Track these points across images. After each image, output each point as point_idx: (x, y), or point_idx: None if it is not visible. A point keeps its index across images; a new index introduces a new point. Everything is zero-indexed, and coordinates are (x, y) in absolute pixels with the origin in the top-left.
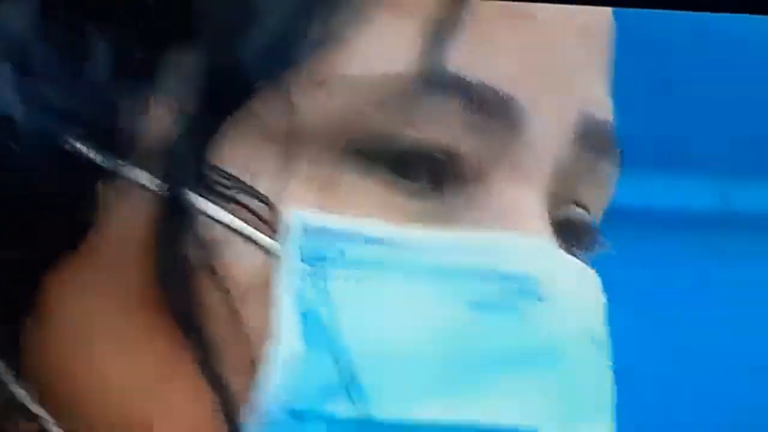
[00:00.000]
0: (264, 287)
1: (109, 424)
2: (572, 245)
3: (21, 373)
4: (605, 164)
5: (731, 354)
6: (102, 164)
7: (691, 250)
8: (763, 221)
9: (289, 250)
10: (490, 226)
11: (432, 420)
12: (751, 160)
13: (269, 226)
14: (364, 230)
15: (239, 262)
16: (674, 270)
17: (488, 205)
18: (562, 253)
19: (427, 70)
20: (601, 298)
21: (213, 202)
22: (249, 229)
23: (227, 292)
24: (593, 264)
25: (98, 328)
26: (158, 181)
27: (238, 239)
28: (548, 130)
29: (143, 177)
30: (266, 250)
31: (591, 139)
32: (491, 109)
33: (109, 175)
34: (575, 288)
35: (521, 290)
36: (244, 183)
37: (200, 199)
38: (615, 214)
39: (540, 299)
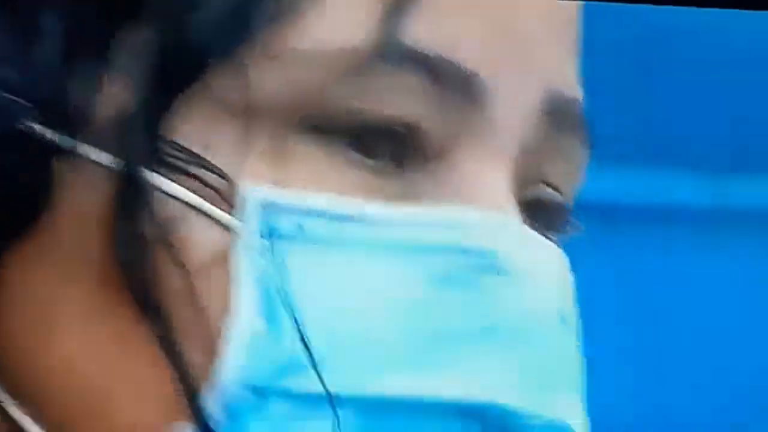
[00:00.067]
0: (222, 263)
1: (69, 402)
2: (542, 226)
3: None
4: (574, 143)
5: (725, 348)
6: (57, 143)
7: (684, 245)
8: (757, 216)
9: (247, 225)
10: (454, 203)
11: (394, 395)
12: (745, 156)
13: (227, 201)
14: (324, 205)
15: (197, 237)
16: (667, 265)
17: (451, 182)
18: (526, 229)
19: (383, 44)
20: (569, 277)
21: (169, 177)
22: (206, 205)
23: (185, 268)
24: (593, 257)
25: (57, 306)
26: (113, 159)
27: (196, 215)
28: (512, 107)
29: (98, 155)
30: (224, 226)
31: (558, 117)
32: (450, 83)
33: (65, 154)
34: (539, 265)
35: (484, 266)
36: (200, 157)
37: (156, 175)
38: (610, 210)
39: (503, 275)
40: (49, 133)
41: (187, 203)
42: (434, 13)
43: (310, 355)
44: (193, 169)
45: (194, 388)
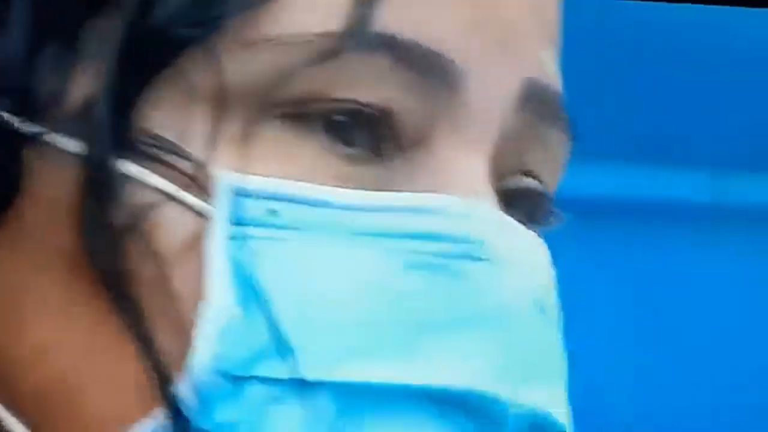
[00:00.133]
0: (196, 250)
1: (41, 391)
2: (524, 216)
3: None
4: (554, 132)
5: (723, 347)
6: (26, 131)
7: (683, 242)
8: (756, 213)
9: (220, 211)
10: (432, 191)
11: (371, 381)
12: (744, 153)
13: (200, 187)
14: (298, 191)
15: (169, 224)
16: (666, 262)
17: (428, 169)
18: (503, 216)
19: (354, 29)
20: (548, 268)
21: (140, 165)
22: (179, 192)
23: (157, 255)
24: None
25: (28, 295)
26: (83, 146)
27: (168, 201)
28: (490, 94)
29: (68, 142)
30: (197, 212)
31: (537, 105)
32: (425, 68)
33: (34, 142)
34: (516, 252)
35: (460, 252)
36: (172, 144)
37: (127, 162)
38: (610, 206)
39: (479, 261)
40: (17, 122)
41: (159, 190)
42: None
43: (284, 341)
44: (165, 156)
45: (167, 377)
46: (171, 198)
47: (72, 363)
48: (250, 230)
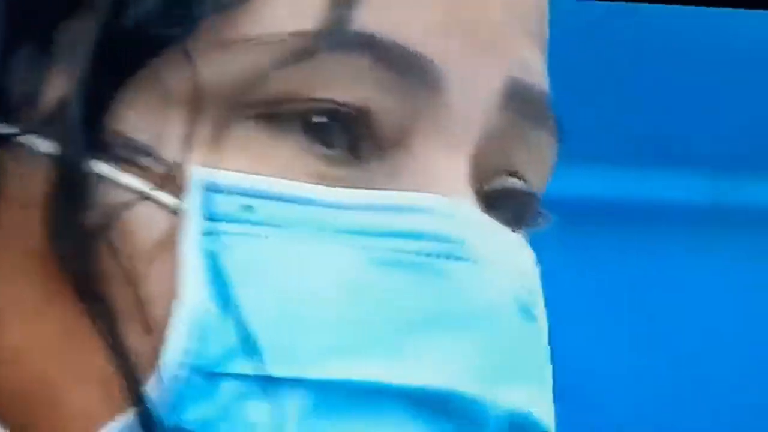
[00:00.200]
0: (169, 247)
1: (18, 392)
2: (511, 217)
3: None
4: (540, 132)
5: (721, 350)
6: (0, 132)
7: (681, 245)
8: (755, 216)
9: (192, 207)
10: (412, 191)
11: (346, 379)
12: (744, 155)
13: (173, 186)
14: (274, 188)
15: (143, 223)
16: (664, 265)
17: (408, 171)
18: (484, 216)
19: (331, 27)
20: (531, 267)
21: (113, 165)
22: (152, 190)
23: (129, 255)
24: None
25: (3, 296)
26: (55, 148)
27: (141, 200)
28: (470, 93)
29: (42, 144)
30: (171, 210)
31: (521, 105)
32: (403, 68)
33: (8, 143)
34: (496, 252)
35: (439, 251)
36: (146, 145)
37: (99, 163)
38: (610, 209)
39: (458, 261)
40: None
41: (132, 189)
42: None
43: (258, 338)
44: (138, 157)
45: (138, 378)
46: (144, 197)
47: (49, 364)
48: (224, 226)
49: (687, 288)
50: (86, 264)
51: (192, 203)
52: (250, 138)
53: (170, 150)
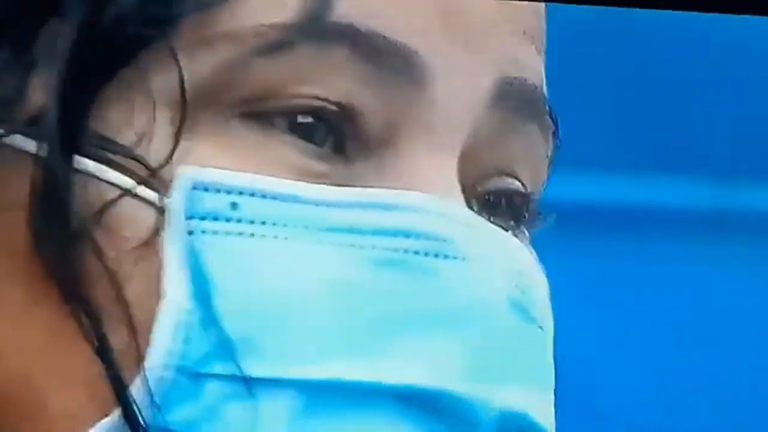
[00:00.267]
0: (153, 246)
1: (2, 392)
2: (507, 217)
3: None
4: (534, 129)
5: (724, 353)
6: None
7: (684, 250)
8: (758, 222)
9: (176, 205)
10: (399, 189)
11: (339, 379)
12: (745, 161)
13: (157, 184)
14: (260, 185)
15: (127, 221)
16: (666, 270)
17: (395, 170)
18: (474, 215)
19: (308, 19)
20: (527, 266)
21: (96, 166)
22: (135, 188)
23: (114, 255)
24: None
25: None
26: (39, 148)
27: (125, 199)
28: (458, 89)
29: (24, 145)
30: (156, 208)
31: (513, 102)
32: (387, 61)
33: None
34: (487, 251)
35: (428, 250)
36: (129, 145)
37: (82, 162)
38: (609, 215)
39: (447, 259)
40: None
41: (115, 187)
42: None
43: (244, 338)
44: (121, 156)
45: (123, 379)
46: (128, 195)
47: (34, 365)
48: (209, 224)
49: (688, 294)
50: (71, 265)
51: (177, 201)
52: (235, 136)
53: (154, 149)
